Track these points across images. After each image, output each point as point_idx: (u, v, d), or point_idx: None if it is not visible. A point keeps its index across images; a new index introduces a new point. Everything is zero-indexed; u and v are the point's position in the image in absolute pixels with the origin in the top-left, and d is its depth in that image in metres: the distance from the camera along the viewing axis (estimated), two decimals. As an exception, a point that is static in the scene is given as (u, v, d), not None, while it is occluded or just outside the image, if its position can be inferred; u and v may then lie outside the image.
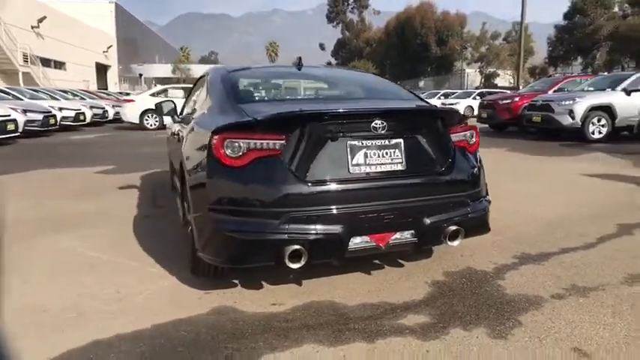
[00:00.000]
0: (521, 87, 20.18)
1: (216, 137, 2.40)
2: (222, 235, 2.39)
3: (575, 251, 3.37)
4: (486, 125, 14.05)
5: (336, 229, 2.37)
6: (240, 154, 2.37)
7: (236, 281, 2.86)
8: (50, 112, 14.21)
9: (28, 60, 30.78)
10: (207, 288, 2.77)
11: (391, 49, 58.75)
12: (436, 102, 22.18)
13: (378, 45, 63.74)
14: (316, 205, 2.36)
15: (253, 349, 2.11)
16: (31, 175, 6.95)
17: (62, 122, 15.06)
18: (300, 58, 3.52)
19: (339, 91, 3.75)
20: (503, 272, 3.00)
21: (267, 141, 2.36)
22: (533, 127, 11.88)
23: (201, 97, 3.49)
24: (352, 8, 71.94)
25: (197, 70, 61.61)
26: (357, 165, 2.44)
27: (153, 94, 16.33)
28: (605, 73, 16.73)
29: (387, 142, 2.50)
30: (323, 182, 2.38)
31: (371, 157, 2.47)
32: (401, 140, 2.53)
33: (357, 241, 2.45)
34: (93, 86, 38.09)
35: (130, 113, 15.87)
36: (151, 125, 15.80)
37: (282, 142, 2.36)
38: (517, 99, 13.11)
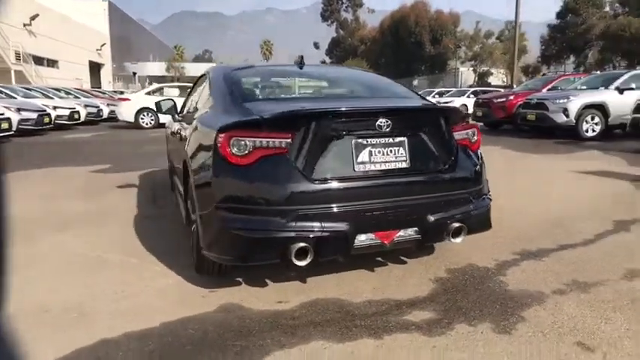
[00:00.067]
0: (515, 85, 20.29)
1: (222, 135, 2.42)
2: (229, 233, 2.41)
3: (574, 248, 3.41)
4: (481, 123, 14.13)
5: (342, 226, 2.39)
6: (247, 152, 2.38)
7: (240, 279, 2.88)
8: (44, 110, 14.12)
9: (21, 58, 30.56)
10: (211, 286, 2.78)
11: (385, 48, 58.86)
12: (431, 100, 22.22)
13: (373, 44, 63.82)
14: (322, 203, 2.38)
15: (262, 347, 2.13)
16: (27, 174, 6.91)
17: (57, 121, 14.99)
18: (302, 57, 3.54)
19: (342, 89, 3.77)
20: (504, 268, 3.04)
21: (274, 139, 2.37)
22: (528, 126, 11.96)
23: (204, 96, 3.49)
24: (346, 7, 71.94)
25: (191, 68, 61.44)
26: (362, 163, 2.47)
27: (148, 93, 16.30)
28: (598, 72, 16.86)
29: (391, 140, 2.52)
30: (329, 180, 2.41)
31: (375, 155, 2.49)
32: (405, 138, 2.56)
33: (362, 239, 2.48)
34: (86, 85, 37.86)
35: (126, 112, 15.81)
36: (147, 124, 15.74)
37: (289, 140, 2.38)
38: (512, 97, 13.20)
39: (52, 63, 36.48)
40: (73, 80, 35.49)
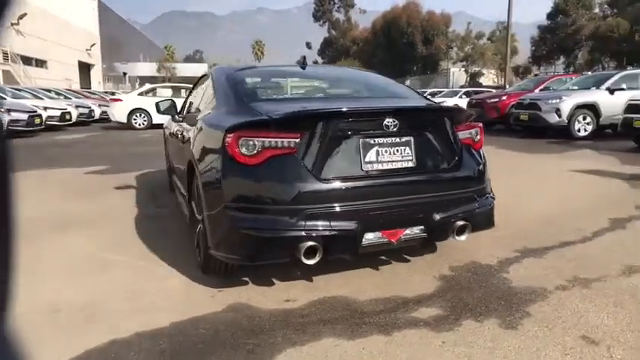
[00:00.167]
0: (508, 86, 20.47)
1: (230, 136, 2.44)
2: (238, 232, 2.43)
3: (573, 245, 3.48)
4: (474, 123, 14.22)
5: (351, 225, 2.42)
6: (255, 152, 2.41)
7: (246, 279, 2.90)
8: (35, 111, 13.99)
9: (9, 58, 30.23)
10: (218, 286, 2.80)
11: (378, 48, 59.08)
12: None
13: (365, 44, 64.04)
14: (331, 202, 2.41)
15: (273, 345, 2.15)
16: (22, 176, 6.87)
17: (48, 122, 14.84)
18: (304, 58, 3.57)
19: (346, 89, 3.81)
20: (506, 266, 3.09)
21: (283, 139, 2.40)
22: (521, 126, 12.09)
23: (207, 97, 3.50)
24: (338, 7, 72.13)
25: (182, 68, 61.25)
26: (370, 162, 2.50)
27: (141, 94, 16.24)
28: (590, 73, 17.07)
29: (397, 139, 2.56)
30: (337, 179, 2.44)
31: (382, 154, 2.53)
32: (411, 138, 2.60)
33: (369, 237, 2.51)
34: (76, 85, 37.53)
35: (118, 113, 15.72)
36: (139, 125, 15.67)
37: (297, 140, 2.41)
38: (504, 98, 13.34)
39: (40, 63, 36.13)
40: (63, 81, 35.18)
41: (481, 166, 2.89)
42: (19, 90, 17.68)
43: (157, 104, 4.53)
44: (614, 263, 3.08)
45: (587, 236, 3.67)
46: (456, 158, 2.75)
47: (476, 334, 2.21)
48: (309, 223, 2.38)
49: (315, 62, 61.16)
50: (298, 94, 3.61)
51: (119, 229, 4.05)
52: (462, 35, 56.91)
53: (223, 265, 2.77)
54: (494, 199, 2.98)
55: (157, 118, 15.36)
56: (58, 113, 15.70)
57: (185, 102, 4.62)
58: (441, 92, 27.83)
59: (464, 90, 26.14)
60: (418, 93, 3.55)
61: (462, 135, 2.82)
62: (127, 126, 15.60)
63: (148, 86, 17.25)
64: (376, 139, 2.52)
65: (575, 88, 11.74)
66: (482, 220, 2.85)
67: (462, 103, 19.09)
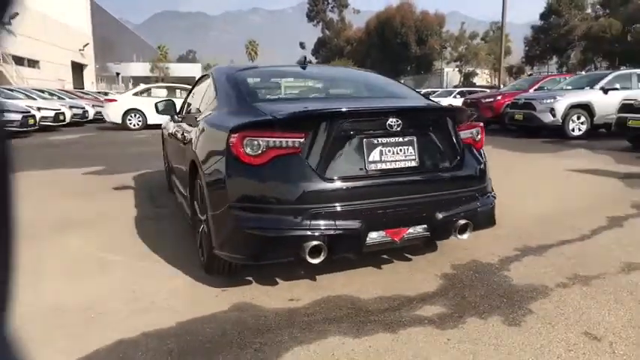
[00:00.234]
0: (502, 86, 20.59)
1: (234, 136, 2.45)
2: (243, 232, 2.44)
3: (572, 243, 3.52)
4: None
5: (355, 224, 2.44)
6: (260, 152, 2.42)
7: (250, 278, 2.91)
8: (29, 112, 13.89)
9: (0, 58, 29.98)
10: (222, 286, 2.81)
11: (372, 49, 59.21)
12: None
13: (359, 44, 64.14)
14: (335, 202, 2.43)
15: (280, 343, 2.17)
16: (20, 176, 6.81)
17: (41, 122, 14.75)
18: (305, 58, 3.59)
19: (348, 90, 3.83)
20: (507, 264, 3.12)
21: (287, 139, 2.41)
22: (515, 125, 12.16)
23: (208, 97, 3.51)
24: (332, 7, 72.19)
25: (175, 69, 61.05)
26: (374, 162, 2.52)
27: (136, 94, 16.17)
28: (583, 72, 17.21)
29: (401, 139, 2.59)
30: (342, 179, 2.46)
31: (386, 154, 2.55)
32: (414, 137, 2.62)
33: (373, 236, 2.53)
34: (69, 85, 37.27)
35: (113, 113, 15.65)
36: (134, 125, 15.61)
37: (302, 140, 2.42)
38: (499, 98, 13.41)
39: (33, 63, 35.85)
40: (55, 81, 34.93)
41: (482, 166, 2.92)
42: (12, 90, 17.55)
43: (156, 104, 4.52)
44: (612, 261, 3.12)
45: (586, 234, 3.71)
46: (458, 158, 2.77)
47: (480, 331, 2.24)
48: (313, 222, 2.40)
49: (310, 62, 61.17)
50: (300, 94, 3.63)
51: (119, 230, 4.05)
52: (455, 35, 57.19)
53: (227, 264, 2.78)
54: (495, 198, 3.01)
55: (152, 119, 15.34)
56: (51, 114, 15.60)
57: (184, 102, 4.62)
58: (434, 92, 27.94)
59: (458, 90, 26.27)
60: (418, 93, 3.58)
61: (464, 135, 2.85)
62: (122, 126, 15.53)
63: (142, 86, 17.18)
64: (379, 139, 2.54)
65: (569, 88, 11.84)
66: (484, 219, 2.88)
67: (457, 102, 19.18)
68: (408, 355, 2.05)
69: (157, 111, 4.53)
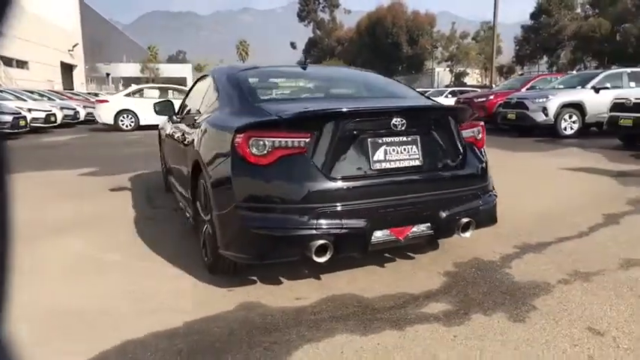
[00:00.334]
0: (494, 85, 20.74)
1: (240, 136, 2.46)
2: (249, 232, 2.45)
3: (570, 240, 3.57)
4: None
5: (361, 223, 2.46)
6: (265, 152, 2.43)
7: (254, 278, 2.92)
8: (20, 113, 13.78)
9: (-11, 60, 29.65)
10: (227, 285, 2.81)
11: (363, 48, 59.33)
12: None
13: (350, 44, 64.25)
14: (341, 201, 2.45)
15: (289, 342, 2.18)
16: (14, 177, 6.76)
17: (32, 124, 14.61)
18: (305, 58, 3.62)
19: (350, 90, 3.84)
20: (508, 261, 3.16)
21: (293, 139, 2.43)
22: (508, 125, 12.27)
23: (209, 97, 3.51)
24: (323, 7, 72.21)
25: (165, 69, 60.69)
26: (378, 161, 2.54)
27: (128, 95, 16.08)
28: (574, 72, 17.39)
29: (405, 138, 2.61)
30: (347, 178, 2.48)
31: (390, 153, 2.57)
32: (418, 137, 2.65)
33: (378, 235, 2.55)
34: (58, 86, 36.90)
35: (105, 114, 15.53)
36: (127, 126, 15.51)
37: (307, 139, 2.44)
38: (492, 97, 13.53)
39: (22, 64, 35.44)
40: (45, 82, 34.57)
41: (484, 164, 2.96)
42: (1, 91, 17.37)
43: (154, 105, 4.51)
44: (611, 257, 3.17)
45: (583, 231, 3.77)
46: (461, 157, 2.81)
47: (486, 327, 2.27)
48: (320, 221, 2.42)
49: (302, 62, 61.16)
50: (303, 94, 3.64)
51: (118, 231, 4.04)
52: (446, 35, 57.48)
53: (232, 264, 2.79)
54: (496, 196, 3.05)
55: (145, 120, 15.27)
56: (42, 115, 15.46)
57: (182, 103, 4.61)
58: (426, 92, 28.09)
59: (449, 90, 26.43)
60: (418, 92, 3.61)
61: (466, 134, 2.88)
62: (114, 127, 15.43)
63: (134, 87, 17.08)
64: (384, 139, 2.57)
65: (561, 87, 11.97)
66: (486, 217, 2.92)
67: (449, 102, 19.30)
68: (417, 352, 2.07)
69: (156, 111, 4.52)
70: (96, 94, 26.71)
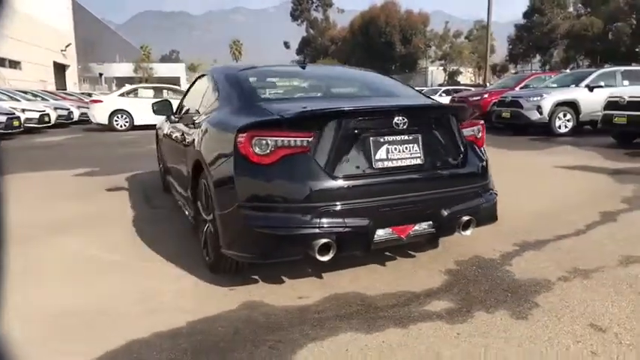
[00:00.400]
0: (489, 84, 20.82)
1: (243, 135, 2.46)
2: (253, 231, 2.45)
3: (568, 238, 3.59)
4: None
5: (363, 222, 2.47)
6: (268, 151, 2.43)
7: (256, 277, 2.92)
8: (13, 113, 13.67)
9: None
10: (229, 285, 2.81)
11: (356, 48, 59.37)
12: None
13: (343, 43, 64.25)
14: (344, 200, 2.46)
15: (293, 340, 2.18)
16: (8, 179, 6.71)
17: (26, 124, 14.49)
18: (305, 58, 3.60)
19: (350, 89, 3.85)
20: (508, 259, 3.18)
21: (296, 138, 2.43)
22: (503, 123, 12.32)
23: (208, 97, 3.50)
24: (316, 6, 72.17)
25: (159, 69, 60.41)
26: (380, 160, 2.55)
27: (122, 95, 16.00)
28: (568, 70, 17.50)
29: (406, 137, 2.62)
30: (350, 177, 2.48)
31: (392, 152, 2.58)
32: (419, 135, 2.66)
33: (380, 234, 2.56)
34: (51, 86, 36.61)
35: (99, 114, 15.45)
36: (121, 126, 15.43)
37: (310, 139, 2.44)
38: (486, 96, 13.59)
39: (14, 64, 35.17)
40: (37, 82, 34.30)
41: (484, 163, 2.98)
42: (-5, 92, 17.23)
43: (153, 105, 4.50)
44: (610, 254, 3.20)
45: (581, 229, 3.79)
46: (462, 155, 2.82)
47: (489, 324, 2.29)
48: (323, 220, 2.42)
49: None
50: (304, 93, 3.64)
51: (118, 231, 4.02)
52: (440, 34, 57.65)
53: (234, 263, 2.79)
54: (497, 194, 3.07)
55: (139, 120, 15.21)
56: (36, 115, 15.34)
57: (181, 103, 4.59)
58: (421, 91, 28.13)
59: (443, 88, 26.51)
60: (418, 91, 3.62)
61: (466, 132, 2.90)
62: (109, 127, 15.35)
63: (129, 87, 16.99)
64: (386, 137, 2.57)
65: (555, 85, 12.04)
66: (487, 215, 2.94)
67: (443, 101, 19.37)
68: (421, 350, 2.08)
69: (154, 111, 4.50)
70: (89, 94, 26.57)
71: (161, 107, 4.47)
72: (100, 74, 57.35)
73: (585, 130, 11.49)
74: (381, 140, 2.56)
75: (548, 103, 10.85)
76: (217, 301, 2.63)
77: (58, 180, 6.65)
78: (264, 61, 5.25)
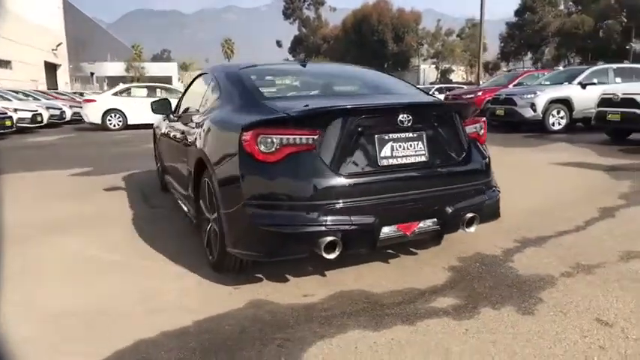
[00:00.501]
0: (482, 82, 20.90)
1: (248, 134, 2.45)
2: (259, 229, 2.44)
3: (568, 234, 3.62)
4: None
5: (369, 219, 2.47)
6: (274, 149, 2.43)
7: (260, 275, 2.91)
8: (6, 113, 13.53)
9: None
10: (233, 284, 2.80)
11: (349, 46, 59.35)
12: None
13: (336, 42, 64.21)
14: (350, 197, 2.45)
15: (302, 338, 2.18)
16: (6, 178, 6.65)
17: (18, 124, 14.35)
18: (305, 56, 3.59)
19: (352, 87, 3.84)
20: (510, 255, 3.19)
21: (301, 136, 2.42)
22: (497, 121, 12.36)
23: (209, 96, 3.49)
24: (308, 5, 72.05)
25: (151, 68, 60.05)
26: (385, 157, 2.55)
27: (115, 94, 15.90)
28: (561, 68, 17.61)
29: (411, 134, 2.62)
30: (355, 175, 2.48)
31: (397, 149, 2.58)
32: (423, 133, 2.66)
33: (386, 231, 2.56)
34: (42, 86, 36.26)
35: (92, 113, 15.33)
36: (115, 126, 15.32)
37: (315, 137, 2.44)
38: (480, 93, 13.65)
39: (4, 64, 34.79)
40: (28, 82, 33.96)
41: (487, 160, 2.99)
42: (-15, 92, 17.05)
43: (152, 104, 4.47)
44: (610, 250, 3.22)
45: (580, 225, 3.82)
46: (465, 152, 2.83)
47: (496, 320, 2.30)
48: (329, 218, 2.42)
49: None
50: (306, 91, 3.63)
51: (118, 230, 4.00)
52: (432, 32, 57.81)
53: (238, 262, 2.78)
54: (499, 191, 3.08)
55: (133, 119, 15.12)
56: (28, 115, 15.18)
57: (179, 101, 4.57)
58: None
59: (436, 86, 26.59)
60: (420, 89, 3.63)
61: (469, 129, 2.90)
62: (102, 127, 15.24)
63: (122, 86, 16.88)
64: (390, 135, 2.57)
65: (548, 83, 12.12)
66: (490, 212, 2.95)
67: (437, 99, 19.40)
68: (430, 346, 2.09)
69: (152, 110, 4.47)
70: (81, 94, 26.36)
71: (160, 106, 4.43)
72: (92, 73, 56.91)
73: (578, 127, 11.58)
74: (386, 138, 2.56)
75: (541, 100, 10.92)
76: (222, 299, 2.62)
77: (54, 180, 6.59)
78: (257, 60, 5.21)
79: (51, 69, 43.18)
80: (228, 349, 2.12)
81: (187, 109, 4.14)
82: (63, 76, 45.94)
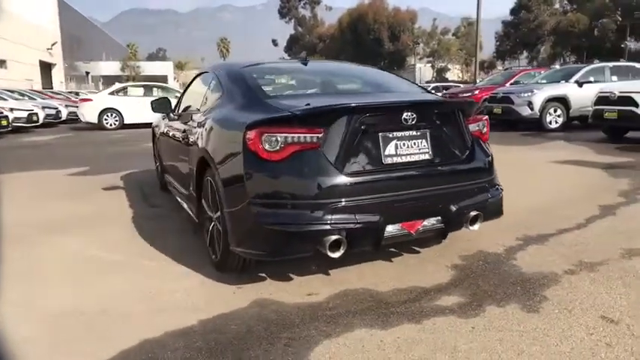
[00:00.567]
0: (478, 80, 20.93)
1: (252, 132, 2.44)
2: (263, 228, 2.44)
3: (570, 232, 3.62)
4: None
5: (374, 218, 2.46)
6: (278, 148, 2.42)
7: (263, 275, 2.90)
8: (1, 112, 13.47)
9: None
10: (236, 283, 2.79)
11: (345, 45, 59.36)
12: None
13: (331, 41, 64.19)
14: (355, 196, 2.45)
15: (309, 337, 2.17)
16: (2, 178, 6.61)
17: (14, 123, 14.29)
18: (306, 54, 3.58)
19: (355, 85, 3.83)
20: (513, 253, 3.20)
21: (306, 134, 2.42)
22: (494, 119, 12.38)
23: (211, 94, 3.47)
24: (304, 4, 72.01)
25: (146, 67, 59.83)
26: (390, 156, 2.55)
27: (112, 93, 15.83)
28: (557, 66, 17.66)
29: (414, 132, 2.62)
30: (360, 173, 2.48)
31: (401, 147, 2.58)
32: (427, 131, 2.66)
33: (390, 229, 2.56)
34: (37, 85, 36.07)
35: (88, 113, 15.27)
36: (111, 125, 15.27)
37: (320, 135, 2.43)
38: (477, 92, 13.66)
39: (-1, 63, 34.61)
40: (23, 81, 33.76)
41: (490, 158, 2.99)
42: (-20, 91, 16.94)
43: (152, 102, 4.45)
44: (613, 247, 3.23)
45: (581, 223, 3.83)
46: (468, 150, 2.83)
47: (502, 318, 2.30)
48: (333, 216, 2.41)
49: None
50: (309, 89, 3.61)
51: (118, 230, 3.98)
52: (427, 31, 57.89)
53: (241, 261, 2.77)
54: (502, 189, 3.08)
55: (129, 118, 15.07)
56: (24, 114, 15.11)
57: (179, 100, 4.55)
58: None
59: (432, 85, 26.62)
60: (425, 88, 3.63)
61: (472, 127, 2.90)
62: (98, 126, 15.18)
63: (118, 85, 16.81)
64: (394, 133, 2.57)
65: (545, 81, 12.15)
66: (493, 210, 2.95)
67: (434, 98, 19.41)
68: (437, 344, 2.08)
69: (152, 109, 4.45)
70: (76, 93, 26.26)
71: (160, 105, 4.41)
72: (87, 73, 56.63)
73: (574, 125, 11.62)
74: (390, 136, 2.56)
75: (539, 98, 10.95)
76: (226, 299, 2.61)
77: (51, 179, 6.55)
78: (253, 59, 5.19)
79: (46, 68, 42.94)
80: (235, 348, 2.11)
81: (188, 108, 4.12)
82: (58, 76, 45.67)
